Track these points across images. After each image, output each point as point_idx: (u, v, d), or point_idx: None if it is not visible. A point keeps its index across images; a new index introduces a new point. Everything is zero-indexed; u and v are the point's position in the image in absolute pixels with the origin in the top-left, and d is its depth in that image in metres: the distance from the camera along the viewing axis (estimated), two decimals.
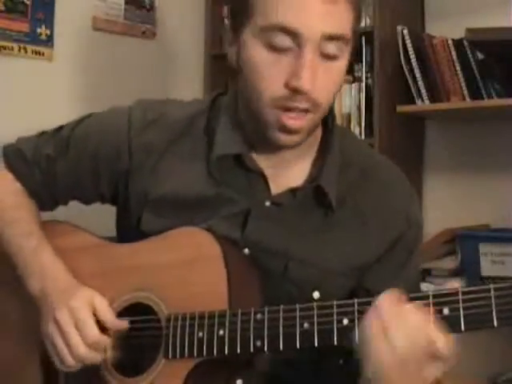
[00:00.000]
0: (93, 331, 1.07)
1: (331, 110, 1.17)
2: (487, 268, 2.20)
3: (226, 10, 2.59)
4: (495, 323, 0.84)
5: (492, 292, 0.85)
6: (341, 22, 1.02)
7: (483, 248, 2.21)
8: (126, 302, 1.12)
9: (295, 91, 1.01)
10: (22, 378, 1.22)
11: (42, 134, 1.29)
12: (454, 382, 2.01)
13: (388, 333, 0.88)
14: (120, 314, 1.12)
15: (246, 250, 1.11)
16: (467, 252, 2.23)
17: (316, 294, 1.09)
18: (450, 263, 2.28)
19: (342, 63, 1.06)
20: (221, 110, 1.17)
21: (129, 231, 1.20)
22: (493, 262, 2.20)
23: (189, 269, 1.06)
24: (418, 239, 1.20)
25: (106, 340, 1.08)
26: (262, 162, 1.13)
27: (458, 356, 0.88)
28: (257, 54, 1.02)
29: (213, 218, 1.12)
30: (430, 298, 0.88)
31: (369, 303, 0.91)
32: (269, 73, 1.02)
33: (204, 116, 1.18)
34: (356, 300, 0.93)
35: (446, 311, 0.87)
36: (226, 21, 1.14)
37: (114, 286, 1.13)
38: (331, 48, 1.02)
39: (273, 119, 1.04)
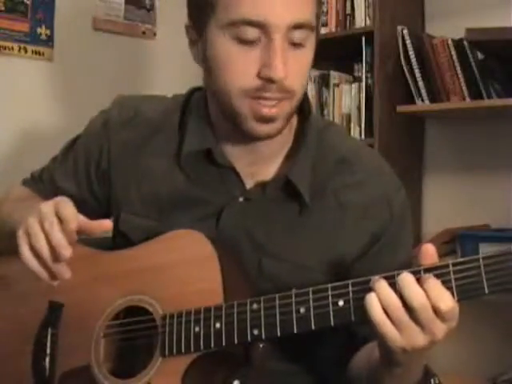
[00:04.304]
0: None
1: (307, 99, 1.17)
2: None
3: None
4: (486, 290, 0.87)
5: (481, 261, 0.88)
6: (306, 9, 1.03)
7: (483, 248, 2.21)
8: (119, 306, 1.11)
9: (268, 81, 1.02)
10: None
11: (51, 159, 1.35)
12: (454, 382, 2.01)
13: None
14: (114, 319, 1.11)
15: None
16: (467, 252, 2.23)
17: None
18: None
19: (308, 50, 1.07)
20: (194, 105, 1.19)
21: (115, 234, 1.22)
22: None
23: (182, 269, 1.06)
24: (404, 233, 1.17)
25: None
26: (238, 159, 1.13)
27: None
28: (225, 48, 1.03)
29: (187, 219, 1.12)
30: (422, 272, 0.90)
31: (362, 283, 0.92)
32: (239, 65, 1.03)
33: (178, 111, 1.20)
34: (350, 281, 0.93)
35: None
36: (187, 21, 1.13)
37: (106, 292, 1.12)
38: (297, 36, 1.03)
39: (247, 110, 1.04)
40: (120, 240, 1.20)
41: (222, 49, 1.04)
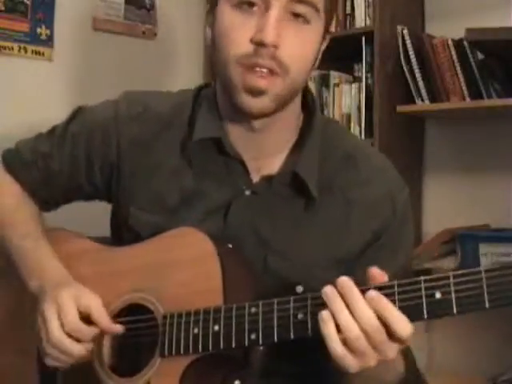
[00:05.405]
0: (73, 318, 1.06)
1: (311, 93, 1.17)
2: None
3: None
4: (487, 305, 0.85)
5: (483, 274, 0.85)
6: None
7: (483, 248, 2.21)
8: (123, 303, 1.11)
9: (258, 44, 1.02)
10: (19, 380, 1.22)
11: (39, 135, 1.31)
12: (454, 381, 2.01)
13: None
14: (117, 316, 1.12)
15: (230, 245, 1.10)
16: (467, 252, 2.23)
17: (299, 289, 1.09)
18: (450, 263, 2.27)
19: (312, 31, 1.06)
20: (203, 100, 1.19)
21: (120, 228, 1.21)
22: (493, 262, 2.20)
23: (183, 268, 1.07)
24: (405, 231, 1.17)
25: (88, 330, 1.07)
26: (244, 151, 1.13)
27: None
28: (226, 17, 1.05)
29: (196, 214, 1.13)
30: (422, 283, 0.88)
31: (364, 290, 0.91)
32: (236, 32, 1.04)
33: (188, 106, 1.20)
34: None
35: (438, 295, 0.87)
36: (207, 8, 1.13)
37: (111, 288, 1.12)
38: (300, 8, 1.03)
39: (238, 79, 1.04)
40: (128, 235, 1.20)
41: (224, 19, 1.05)
